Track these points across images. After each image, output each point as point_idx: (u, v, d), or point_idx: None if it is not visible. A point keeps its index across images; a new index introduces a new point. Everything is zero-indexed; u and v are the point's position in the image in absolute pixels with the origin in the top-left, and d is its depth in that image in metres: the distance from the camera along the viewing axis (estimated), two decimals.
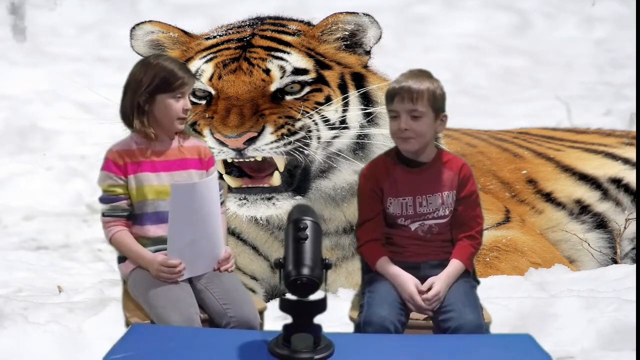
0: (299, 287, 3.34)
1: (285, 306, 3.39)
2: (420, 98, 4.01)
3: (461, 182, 4.07)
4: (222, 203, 4.00)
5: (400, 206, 4.01)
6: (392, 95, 4.06)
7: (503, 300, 4.73)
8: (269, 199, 5.12)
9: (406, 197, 4.02)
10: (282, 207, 5.12)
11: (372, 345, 3.51)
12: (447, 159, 4.08)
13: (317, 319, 3.41)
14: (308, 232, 3.40)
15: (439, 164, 4.08)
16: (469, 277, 4.04)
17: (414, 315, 3.90)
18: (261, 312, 3.96)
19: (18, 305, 4.88)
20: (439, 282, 3.95)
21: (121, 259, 4.01)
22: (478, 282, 4.08)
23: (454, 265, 4.01)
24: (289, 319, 3.41)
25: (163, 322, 3.78)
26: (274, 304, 4.05)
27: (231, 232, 5.36)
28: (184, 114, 3.95)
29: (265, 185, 5.14)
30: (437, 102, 4.04)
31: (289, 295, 3.37)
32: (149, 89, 3.92)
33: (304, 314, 3.39)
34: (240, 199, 5.13)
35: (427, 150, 4.05)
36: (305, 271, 3.34)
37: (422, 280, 3.96)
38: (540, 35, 14.95)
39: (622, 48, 13.81)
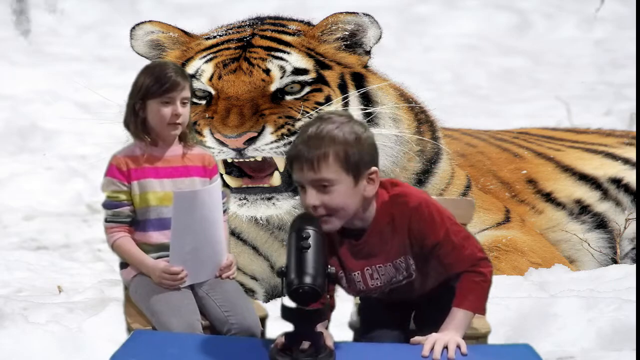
0: (301, 296, 3.34)
1: (287, 314, 3.39)
2: (323, 162, 3.19)
3: (418, 239, 3.35)
4: (225, 211, 3.99)
5: (349, 282, 3.50)
6: (290, 161, 3.27)
7: (503, 300, 4.73)
8: (269, 199, 5.12)
9: (353, 272, 3.46)
10: (282, 207, 5.12)
11: (374, 353, 3.50)
12: (392, 213, 3.33)
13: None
14: (310, 241, 3.37)
15: (383, 227, 3.36)
16: None
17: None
18: (262, 319, 3.95)
19: (18, 305, 4.87)
20: (434, 334, 3.36)
21: (123, 265, 4.00)
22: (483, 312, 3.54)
23: (455, 314, 3.37)
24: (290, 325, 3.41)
25: (164, 329, 3.77)
26: (274, 304, 4.05)
27: (231, 232, 5.36)
28: (173, 120, 3.90)
29: (265, 185, 5.13)
30: (352, 161, 3.21)
31: (290, 304, 3.36)
32: (140, 94, 3.92)
33: (305, 322, 3.38)
34: (240, 199, 5.13)
35: (363, 215, 3.34)
36: (308, 280, 3.32)
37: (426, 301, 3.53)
38: (540, 35, 14.96)
39: (622, 48, 13.83)
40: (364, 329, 3.66)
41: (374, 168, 3.30)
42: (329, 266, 3.37)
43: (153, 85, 3.90)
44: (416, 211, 3.34)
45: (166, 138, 3.95)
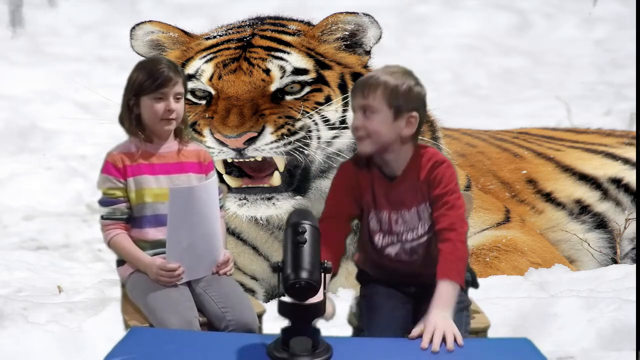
0: (298, 290, 3.34)
1: (283, 310, 3.39)
2: (372, 92, 3.61)
3: (431, 185, 3.68)
4: (221, 207, 3.99)
5: (378, 221, 3.71)
6: (352, 91, 3.72)
7: (503, 300, 4.74)
8: (269, 199, 5.12)
9: (383, 210, 3.69)
10: (282, 207, 5.12)
11: (371, 348, 3.51)
12: (420, 164, 3.68)
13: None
14: (307, 235, 3.39)
15: (412, 174, 3.68)
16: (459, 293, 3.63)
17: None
18: (260, 315, 3.96)
19: (18, 305, 4.88)
20: (430, 319, 3.53)
21: (120, 262, 4.00)
22: (477, 286, 3.79)
23: (443, 288, 3.56)
24: (287, 322, 3.41)
25: (162, 325, 3.78)
26: (274, 304, 4.05)
27: (231, 232, 5.36)
28: (166, 115, 3.91)
29: (265, 185, 5.14)
30: (397, 99, 3.61)
31: (287, 299, 3.37)
32: (133, 90, 3.93)
33: (302, 317, 3.39)
34: (240, 199, 5.13)
35: (398, 157, 3.67)
36: (304, 275, 3.33)
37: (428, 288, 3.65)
38: (540, 35, 14.96)
39: (622, 48, 13.82)
40: (366, 321, 3.70)
41: (415, 113, 3.64)
42: (325, 260, 3.41)
43: (146, 81, 3.90)
44: (438, 165, 3.68)
45: (160, 134, 3.96)
